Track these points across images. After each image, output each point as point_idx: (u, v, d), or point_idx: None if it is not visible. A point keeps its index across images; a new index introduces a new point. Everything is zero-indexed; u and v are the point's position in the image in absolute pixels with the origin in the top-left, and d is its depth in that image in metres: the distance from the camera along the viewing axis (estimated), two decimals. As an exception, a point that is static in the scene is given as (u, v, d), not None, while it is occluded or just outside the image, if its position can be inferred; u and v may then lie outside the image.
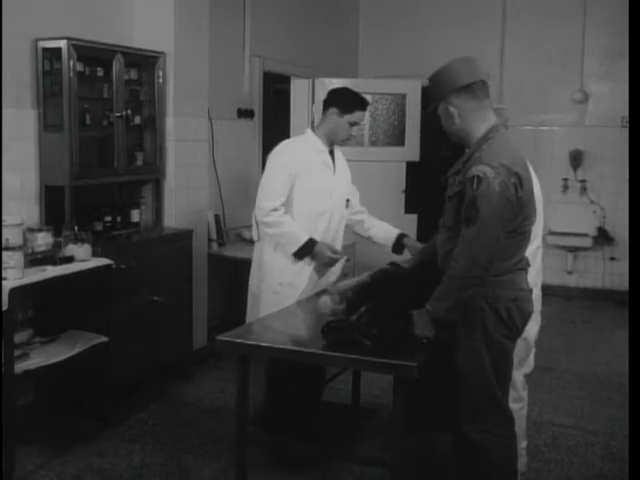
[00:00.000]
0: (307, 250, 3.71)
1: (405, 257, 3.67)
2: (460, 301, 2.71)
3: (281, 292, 3.77)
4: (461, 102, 2.80)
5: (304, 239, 3.70)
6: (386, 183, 6.62)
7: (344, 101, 3.78)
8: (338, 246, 3.90)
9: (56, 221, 4.09)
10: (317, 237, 3.77)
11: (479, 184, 2.62)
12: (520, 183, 2.68)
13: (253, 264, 3.97)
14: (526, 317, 2.89)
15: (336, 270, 3.76)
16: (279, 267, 3.80)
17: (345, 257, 3.79)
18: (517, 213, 2.71)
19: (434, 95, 2.87)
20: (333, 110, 3.78)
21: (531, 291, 2.94)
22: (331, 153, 3.87)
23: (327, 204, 3.81)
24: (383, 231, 4.01)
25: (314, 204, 3.76)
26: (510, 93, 7.30)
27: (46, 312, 4.08)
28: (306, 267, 3.78)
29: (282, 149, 3.81)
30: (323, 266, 3.79)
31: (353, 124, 3.79)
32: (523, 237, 2.82)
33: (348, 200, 3.95)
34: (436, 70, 2.85)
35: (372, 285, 3.11)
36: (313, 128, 3.92)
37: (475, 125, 2.81)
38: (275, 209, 3.68)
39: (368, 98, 7.25)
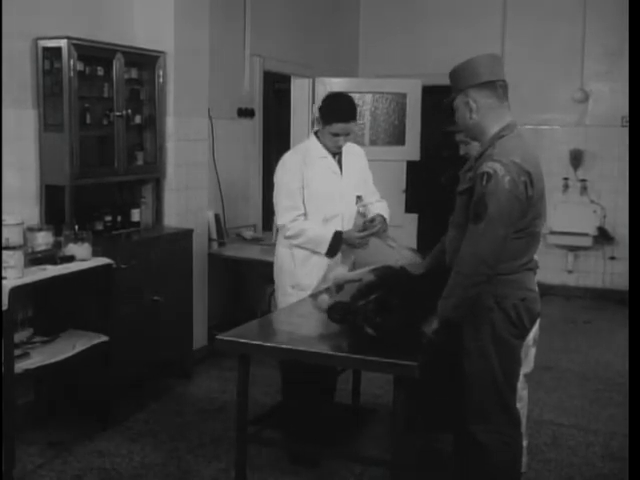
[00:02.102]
0: (337, 244, 3.75)
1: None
2: (466, 299, 2.70)
3: (293, 294, 3.79)
4: (481, 98, 2.78)
5: (330, 236, 3.74)
6: (386, 183, 6.57)
7: (324, 112, 3.74)
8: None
9: (56, 220, 4.09)
10: None
11: (488, 181, 2.61)
12: (531, 181, 2.67)
13: (274, 268, 4.00)
14: (534, 317, 2.88)
15: (341, 264, 3.84)
16: (290, 270, 3.84)
17: (374, 228, 3.79)
18: (526, 212, 2.69)
19: (456, 86, 2.83)
20: (318, 119, 3.78)
21: (538, 292, 2.93)
22: (338, 155, 3.83)
23: (337, 208, 3.82)
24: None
25: (324, 209, 3.78)
26: (510, 93, 7.23)
27: (46, 311, 4.08)
28: (315, 269, 3.80)
29: (284, 164, 3.80)
30: (357, 248, 3.83)
31: (335, 135, 3.72)
32: (532, 237, 2.80)
33: (359, 197, 3.95)
34: (460, 62, 2.83)
35: (381, 282, 3.10)
36: (316, 132, 3.85)
37: (491, 123, 2.79)
38: (293, 220, 3.73)
39: (368, 97, 7.32)
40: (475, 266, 2.65)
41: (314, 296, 3.57)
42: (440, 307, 2.73)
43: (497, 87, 2.80)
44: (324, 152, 3.79)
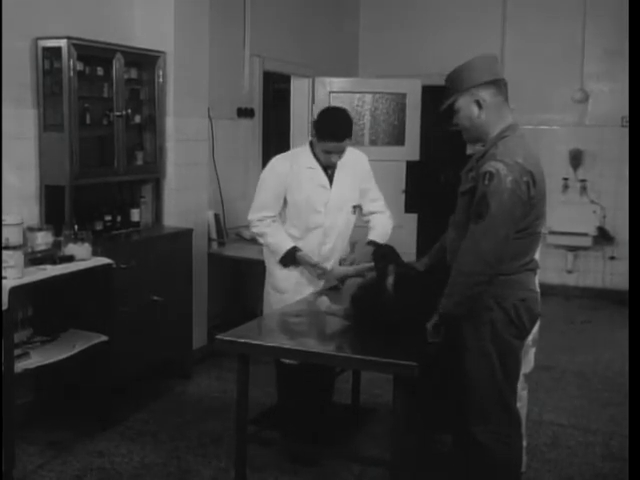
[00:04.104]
0: (290, 259, 3.75)
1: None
2: (468, 297, 2.70)
3: (272, 295, 3.88)
4: (489, 96, 2.78)
5: (285, 249, 3.74)
6: (386, 183, 6.56)
7: (319, 127, 3.69)
8: (335, 258, 3.86)
9: (56, 220, 4.09)
10: (311, 250, 3.77)
11: (490, 180, 2.62)
12: (533, 182, 2.68)
13: None
14: (534, 318, 2.89)
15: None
16: (271, 272, 3.90)
17: (325, 270, 3.76)
18: (528, 212, 2.70)
19: (458, 87, 2.80)
20: (313, 132, 3.74)
21: (539, 293, 2.93)
22: (330, 168, 3.78)
23: (319, 219, 3.78)
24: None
25: (304, 219, 3.77)
26: (510, 93, 7.23)
27: (46, 311, 4.08)
28: (293, 273, 3.82)
29: (272, 167, 3.79)
30: (310, 273, 3.80)
31: (327, 152, 3.68)
32: (533, 237, 2.81)
33: (356, 207, 3.89)
34: (461, 64, 2.81)
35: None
36: (312, 142, 3.79)
37: (494, 122, 2.80)
38: (260, 220, 3.76)
39: (368, 97, 7.31)
40: (476, 265, 2.65)
41: (314, 296, 3.58)
42: (442, 304, 2.73)
43: (501, 85, 2.81)
44: (314, 163, 3.74)
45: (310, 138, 3.83)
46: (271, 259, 3.87)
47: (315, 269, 3.75)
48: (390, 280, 2.94)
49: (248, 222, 3.86)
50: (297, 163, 3.75)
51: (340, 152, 3.68)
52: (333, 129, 3.63)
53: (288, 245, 3.74)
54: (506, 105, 2.85)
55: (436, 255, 3.15)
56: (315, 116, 3.78)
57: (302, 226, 3.78)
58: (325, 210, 3.77)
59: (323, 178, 3.76)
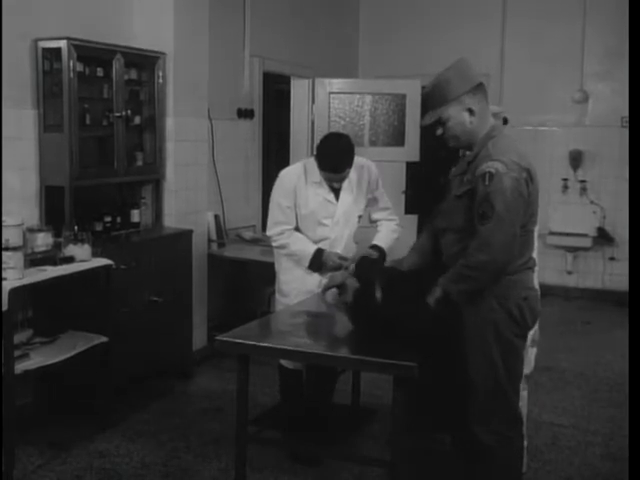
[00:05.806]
0: (318, 260, 3.76)
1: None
2: (473, 290, 2.72)
3: (277, 297, 3.96)
4: (476, 102, 2.79)
5: (311, 252, 3.75)
6: (386, 183, 6.54)
7: (318, 154, 3.69)
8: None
9: (56, 221, 4.09)
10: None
11: (491, 180, 2.62)
12: (530, 178, 2.69)
13: None
14: (536, 316, 2.89)
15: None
16: (277, 274, 3.95)
17: (350, 266, 3.77)
18: (526, 209, 2.71)
19: (446, 98, 2.78)
20: (316, 154, 3.75)
21: (539, 291, 2.94)
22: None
23: (325, 232, 3.81)
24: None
25: (310, 231, 3.80)
26: (510, 93, 7.30)
27: (46, 312, 4.08)
28: (295, 278, 3.83)
29: (280, 180, 3.81)
30: (330, 271, 3.78)
31: (326, 178, 3.71)
32: (530, 235, 2.82)
33: (361, 215, 3.93)
34: (439, 76, 2.80)
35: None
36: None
37: (483, 125, 2.81)
38: (279, 233, 3.78)
39: (368, 98, 7.30)
40: (487, 264, 2.65)
41: (310, 300, 3.60)
42: (445, 285, 2.74)
43: (483, 89, 2.82)
44: (319, 178, 3.75)
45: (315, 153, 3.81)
46: (280, 260, 3.89)
47: (342, 262, 3.72)
48: (378, 294, 2.92)
49: (268, 238, 3.91)
50: (304, 177, 3.77)
51: (341, 180, 3.71)
52: (333, 163, 3.64)
53: (312, 249, 3.76)
54: (489, 108, 2.86)
55: (424, 256, 3.14)
56: (319, 141, 3.74)
57: (310, 237, 3.81)
58: (332, 223, 3.81)
59: (328, 193, 3.78)
